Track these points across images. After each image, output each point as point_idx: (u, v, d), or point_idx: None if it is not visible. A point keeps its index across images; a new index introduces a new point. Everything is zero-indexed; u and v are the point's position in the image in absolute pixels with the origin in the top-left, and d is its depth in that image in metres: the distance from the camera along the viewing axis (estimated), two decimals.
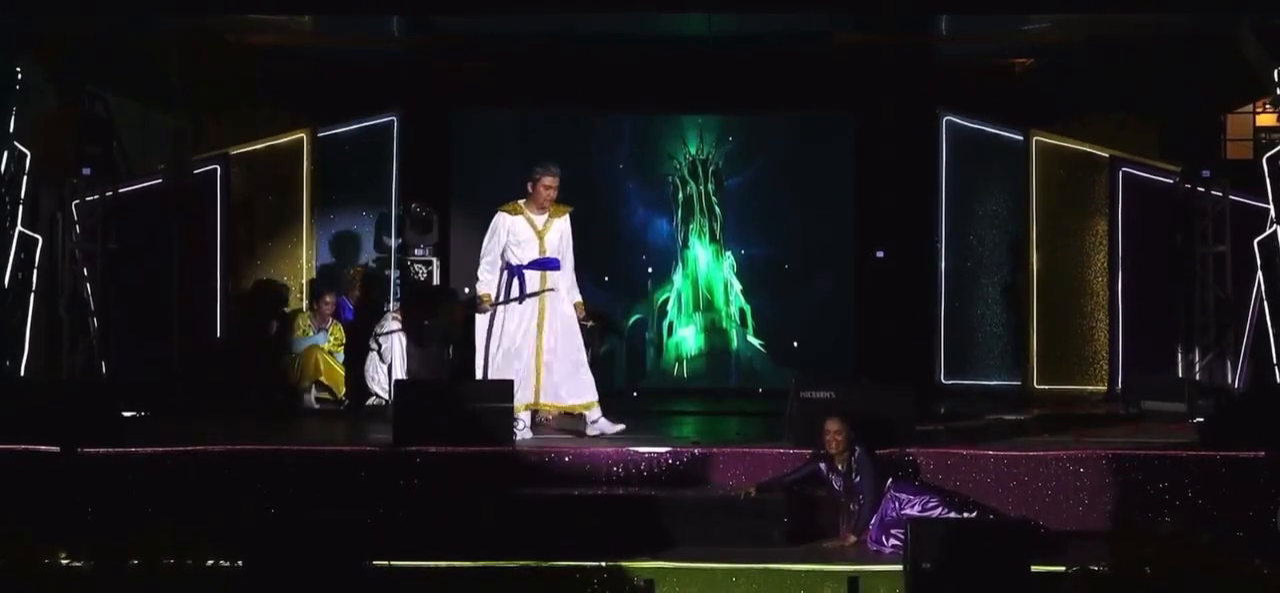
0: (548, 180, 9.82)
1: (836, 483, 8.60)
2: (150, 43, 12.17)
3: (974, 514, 8.36)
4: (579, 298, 10.03)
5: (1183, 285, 12.58)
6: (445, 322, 12.40)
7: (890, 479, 8.49)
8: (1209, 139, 12.62)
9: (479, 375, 9.87)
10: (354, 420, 11.50)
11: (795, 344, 14.06)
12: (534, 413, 9.91)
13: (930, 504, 8.30)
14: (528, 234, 9.82)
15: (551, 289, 9.80)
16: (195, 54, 12.70)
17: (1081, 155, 13.28)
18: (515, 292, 9.80)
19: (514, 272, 9.82)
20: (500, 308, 9.83)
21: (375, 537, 7.69)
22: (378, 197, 13.82)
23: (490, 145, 14.12)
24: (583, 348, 9.93)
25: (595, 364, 12.12)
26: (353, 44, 13.51)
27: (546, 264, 9.82)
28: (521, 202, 9.89)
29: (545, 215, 9.84)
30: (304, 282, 13.13)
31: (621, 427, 9.79)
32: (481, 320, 9.92)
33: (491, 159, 14.06)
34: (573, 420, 10.01)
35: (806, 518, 8.64)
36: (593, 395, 9.87)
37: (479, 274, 9.92)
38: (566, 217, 9.94)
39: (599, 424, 9.80)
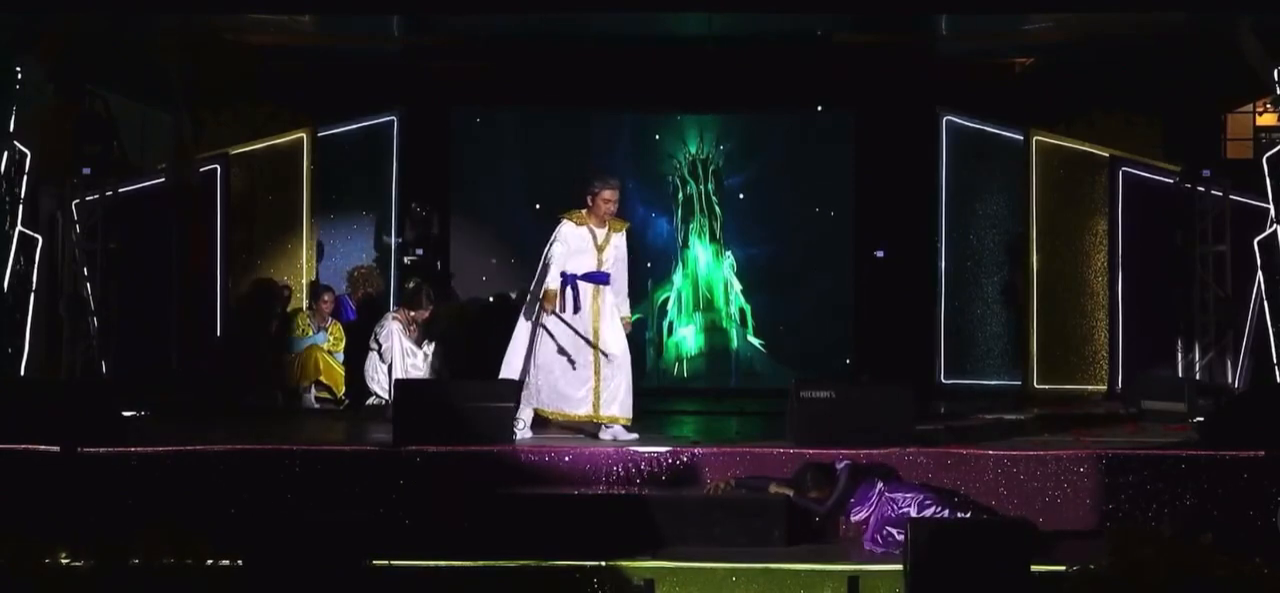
0: (607, 194, 9.65)
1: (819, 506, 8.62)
2: (150, 42, 12.17)
3: (968, 514, 8.36)
4: (628, 313, 9.89)
5: (1183, 285, 12.58)
6: (443, 321, 12.40)
7: (879, 484, 8.49)
8: (1209, 139, 12.62)
9: (517, 377, 9.73)
10: (354, 420, 11.49)
11: (795, 344, 14.07)
12: (535, 412, 9.86)
13: (925, 502, 8.30)
14: (587, 245, 9.68)
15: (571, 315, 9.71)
16: (195, 53, 12.70)
17: (1081, 155, 13.28)
18: (569, 301, 9.66)
19: (567, 281, 9.66)
20: (551, 315, 9.69)
21: (375, 537, 7.69)
22: (378, 197, 13.83)
23: (490, 145, 14.13)
24: (625, 363, 9.75)
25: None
26: (353, 43, 13.52)
27: (599, 278, 9.69)
28: (584, 211, 9.71)
29: (604, 229, 9.71)
30: (304, 282, 13.13)
31: (634, 436, 9.74)
32: (523, 324, 9.81)
33: (491, 159, 14.07)
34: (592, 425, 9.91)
35: (807, 518, 8.64)
36: (617, 412, 9.73)
37: (547, 277, 9.63)
38: (624, 232, 9.83)
39: (613, 430, 9.75)
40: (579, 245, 9.67)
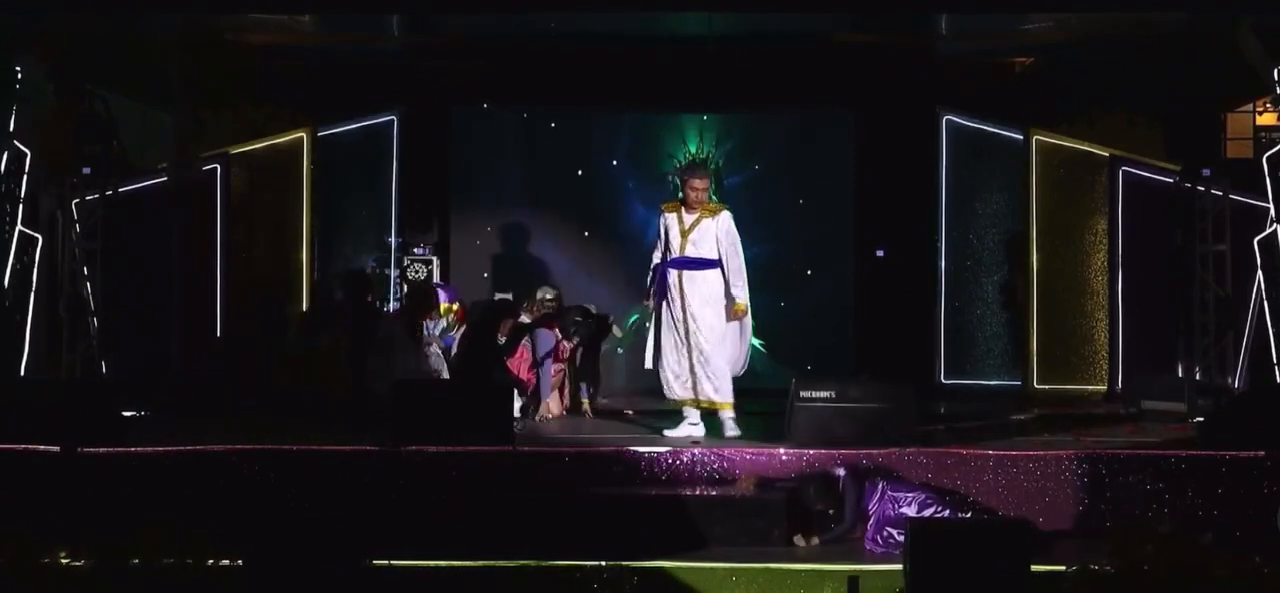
0: (696, 182, 9.98)
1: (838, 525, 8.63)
2: (150, 41, 12.16)
3: (968, 514, 8.37)
4: (739, 297, 10.05)
5: (1183, 285, 12.57)
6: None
7: (882, 482, 8.49)
8: (1209, 139, 12.61)
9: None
10: (354, 420, 11.48)
11: (795, 344, 14.04)
12: (698, 408, 10.00)
13: (926, 502, 8.31)
14: (675, 233, 10.01)
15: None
16: (195, 53, 12.69)
17: (1081, 155, 13.28)
18: (659, 288, 10.02)
19: (659, 269, 10.04)
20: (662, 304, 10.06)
21: (375, 537, 7.69)
22: (378, 196, 13.82)
23: (490, 145, 14.12)
24: (712, 346, 9.94)
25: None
26: (353, 43, 13.51)
27: (686, 264, 9.95)
28: (677, 199, 10.12)
29: (694, 216, 9.96)
30: (304, 282, 13.12)
31: (738, 432, 9.86)
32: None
33: (491, 159, 14.06)
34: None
35: (811, 519, 8.64)
36: (712, 397, 9.93)
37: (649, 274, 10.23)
38: (721, 217, 10.02)
39: (726, 425, 9.94)
40: (669, 233, 10.03)
